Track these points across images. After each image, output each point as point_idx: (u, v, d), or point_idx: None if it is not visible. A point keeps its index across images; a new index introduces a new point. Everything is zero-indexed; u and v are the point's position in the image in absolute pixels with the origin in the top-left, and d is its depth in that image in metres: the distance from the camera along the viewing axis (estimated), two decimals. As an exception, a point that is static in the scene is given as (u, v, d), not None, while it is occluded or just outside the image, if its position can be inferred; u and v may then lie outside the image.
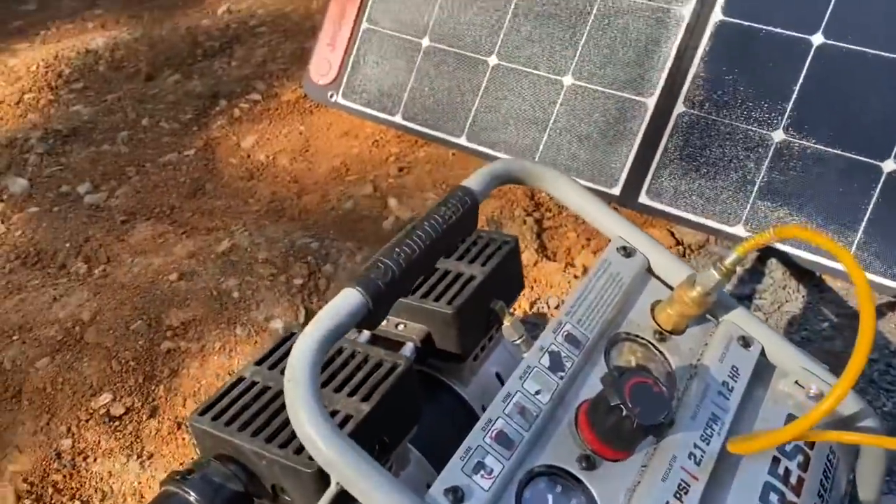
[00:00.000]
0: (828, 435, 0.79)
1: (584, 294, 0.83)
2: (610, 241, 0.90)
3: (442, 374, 0.96)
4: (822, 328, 1.39)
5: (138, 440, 1.26)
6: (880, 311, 1.39)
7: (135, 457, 1.24)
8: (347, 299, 0.68)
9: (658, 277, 0.90)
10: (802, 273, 1.48)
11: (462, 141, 1.81)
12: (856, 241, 1.42)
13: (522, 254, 1.62)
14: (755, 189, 1.52)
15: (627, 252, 0.89)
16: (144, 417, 1.29)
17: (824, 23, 1.50)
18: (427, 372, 0.96)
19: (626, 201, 1.63)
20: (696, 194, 1.56)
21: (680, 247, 1.61)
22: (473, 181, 0.85)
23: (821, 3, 1.50)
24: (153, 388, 1.32)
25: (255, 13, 2.63)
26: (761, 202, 1.51)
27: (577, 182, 0.91)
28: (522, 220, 1.67)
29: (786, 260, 1.51)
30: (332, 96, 2.00)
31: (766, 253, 1.53)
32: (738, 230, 1.52)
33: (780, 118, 1.52)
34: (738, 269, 1.54)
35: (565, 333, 0.78)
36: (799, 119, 1.50)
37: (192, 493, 0.73)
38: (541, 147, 1.72)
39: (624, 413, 0.67)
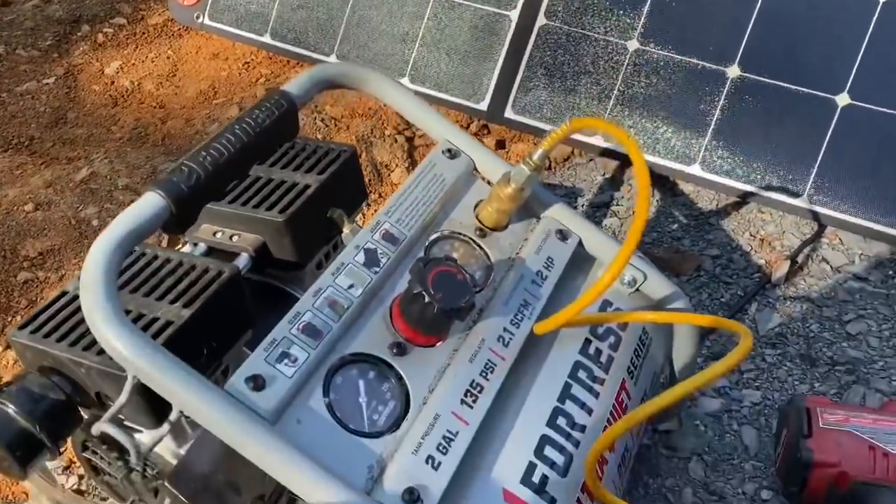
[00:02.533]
0: (617, 317, 0.85)
1: (405, 194, 0.85)
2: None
3: (283, 282, 0.98)
4: (672, 229, 1.47)
5: (-6, 371, 1.24)
6: (724, 211, 1.48)
7: (-7, 388, 1.22)
8: (147, 202, 0.68)
9: (484, 179, 0.93)
10: (658, 179, 1.54)
11: (332, 59, 1.79)
12: (704, 145, 1.49)
13: (393, 172, 1.63)
14: (612, 98, 1.56)
15: (452, 154, 0.91)
16: (0, 349, 1.26)
17: (674, -68, 1.53)
18: (268, 282, 0.98)
19: (493, 116, 1.66)
20: (558, 107, 1.60)
21: (546, 159, 1.64)
22: (293, 85, 0.85)
23: (671, -88, 1.53)
24: (9, 319, 1.29)
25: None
26: (619, 110, 1.55)
27: (401, 85, 0.93)
28: (393, 139, 1.68)
29: (643, 167, 1.58)
30: (198, 17, 1.93)
31: (626, 162, 1.59)
32: (597, 140, 1.57)
33: (634, 28, 1.55)
34: (599, 178, 1.60)
35: (382, 232, 0.81)
36: (652, 28, 1.54)
37: (9, 405, 0.73)
38: (410, 63, 1.72)
39: (426, 299, 0.70)
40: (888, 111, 1.38)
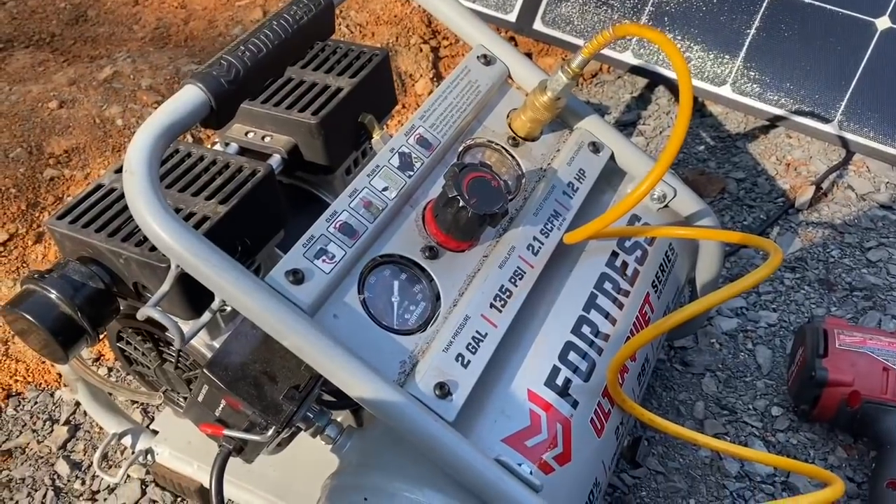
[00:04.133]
0: (646, 230, 0.86)
1: (440, 99, 0.85)
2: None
3: (313, 186, 0.98)
4: (699, 151, 1.46)
5: (24, 265, 1.26)
6: (752, 134, 1.46)
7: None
8: (188, 95, 0.68)
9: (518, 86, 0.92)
10: (692, 98, 1.52)
11: (358, -35, 1.74)
12: (736, 66, 1.46)
13: (418, 82, 1.62)
14: (645, 14, 1.53)
15: (487, 60, 0.90)
16: (30, 243, 1.28)
17: None
18: (298, 185, 0.98)
19: (522, 27, 1.63)
20: (589, 20, 1.56)
21: (573, 75, 1.62)
22: (329, -17, 0.83)
23: None
24: (37, 215, 1.31)
25: None
26: (652, 25, 1.51)
27: (439, -12, 0.91)
28: (419, 48, 1.65)
29: (672, 86, 1.55)
30: (220, -85, 1.87)
31: (655, 80, 1.57)
32: (628, 57, 1.55)
33: (673, -60, 1.50)
34: (626, 96, 1.58)
35: (417, 136, 0.80)
36: (691, -59, 1.49)
37: (52, 291, 0.75)
38: (438, -29, 1.67)
39: (461, 203, 0.71)
40: (929, 37, 1.35)
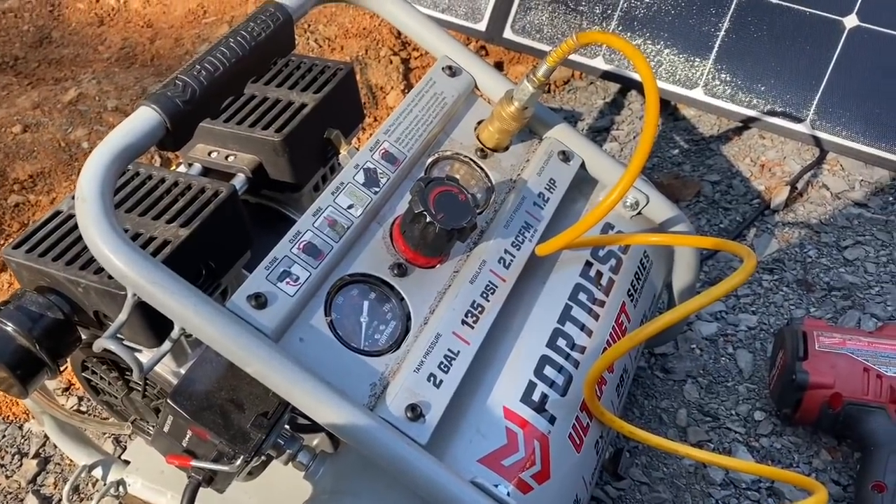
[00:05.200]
0: (619, 239, 0.84)
1: (405, 113, 0.83)
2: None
3: (280, 205, 0.96)
4: (673, 154, 1.45)
5: (-10, 294, 1.23)
6: (726, 136, 1.46)
7: (-11, 311, 1.22)
8: (142, 117, 0.66)
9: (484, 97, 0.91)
10: (659, 103, 1.51)
11: (325, -22, 1.73)
12: (707, 68, 1.46)
13: (388, 94, 1.60)
14: (615, 19, 1.52)
15: (453, 71, 0.88)
16: (-5, 272, 1.25)
17: None
18: (265, 204, 0.96)
19: (492, 36, 1.62)
20: (559, 27, 1.56)
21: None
22: (288, -2, 0.81)
23: None
24: (2, 242, 1.28)
25: None
26: (621, 32, 1.51)
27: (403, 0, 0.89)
28: (389, 60, 1.64)
29: (644, 91, 1.55)
30: (185, -68, 1.85)
31: (627, 85, 1.56)
32: (599, 63, 1.54)
33: (639, -55, 1.50)
34: (599, 102, 1.57)
35: (382, 151, 0.79)
36: (657, -55, 1.49)
37: (8, 323, 0.72)
38: (406, -18, 1.66)
39: (428, 219, 0.69)
40: (896, 34, 1.35)
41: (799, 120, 1.40)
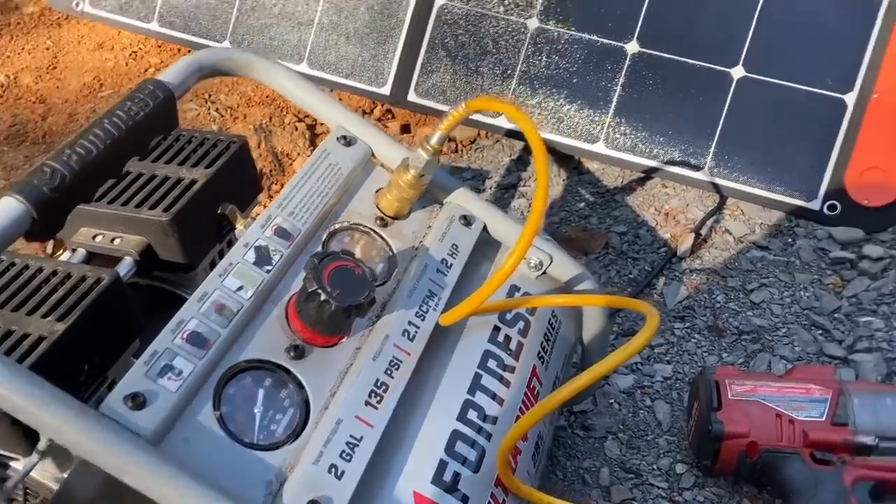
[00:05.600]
0: (522, 302, 0.83)
1: (298, 186, 0.81)
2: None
3: (174, 286, 0.91)
4: (580, 207, 1.46)
5: None
6: (630, 187, 1.49)
7: None
8: (5, 208, 0.62)
9: (383, 165, 0.89)
10: (563, 158, 1.54)
11: (226, 45, 1.70)
12: (607, 122, 1.49)
13: (295, 161, 1.57)
14: (514, 78, 1.55)
15: (348, 141, 0.87)
16: None
17: None
18: (158, 286, 0.91)
19: (396, 100, 1.62)
20: (461, 88, 1.57)
21: (452, 143, 1.62)
22: (168, 74, 0.79)
23: None
24: None
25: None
26: (522, 90, 1.54)
27: (291, 70, 0.88)
28: (294, 127, 1.62)
29: (548, 147, 1.57)
30: (77, 5, 1.80)
31: (532, 141, 1.58)
32: (502, 122, 1.56)
33: (534, 6, 1.54)
34: (506, 159, 1.58)
35: (274, 227, 0.76)
36: (551, 6, 1.53)
37: None
38: (308, 47, 1.65)
39: (322, 297, 0.66)
40: (781, 82, 1.41)
41: (698, 168, 1.44)
